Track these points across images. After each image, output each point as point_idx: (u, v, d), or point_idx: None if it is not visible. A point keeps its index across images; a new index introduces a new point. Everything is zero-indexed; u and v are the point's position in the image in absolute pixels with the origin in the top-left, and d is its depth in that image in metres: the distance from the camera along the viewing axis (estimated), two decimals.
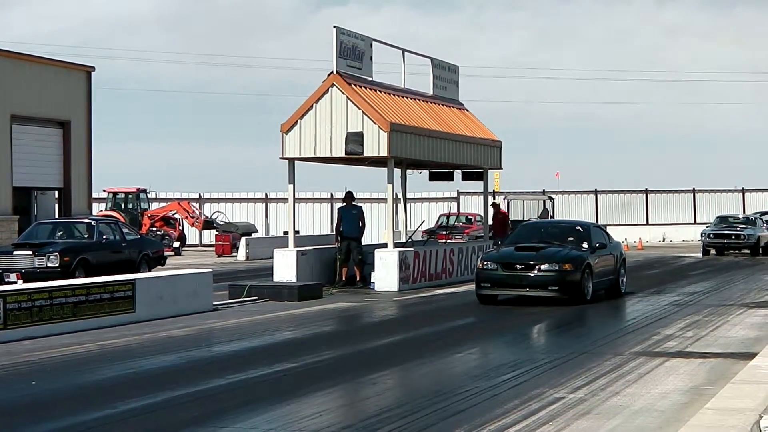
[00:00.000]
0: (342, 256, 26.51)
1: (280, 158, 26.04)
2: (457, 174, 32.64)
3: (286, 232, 36.43)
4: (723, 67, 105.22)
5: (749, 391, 10.33)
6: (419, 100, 29.28)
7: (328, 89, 25.54)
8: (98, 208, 47.31)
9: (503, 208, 51.53)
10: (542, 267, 21.54)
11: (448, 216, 49.01)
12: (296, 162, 26.34)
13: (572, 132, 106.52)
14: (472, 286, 22.99)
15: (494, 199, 39.63)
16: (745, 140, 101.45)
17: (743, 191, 60.86)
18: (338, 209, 27.75)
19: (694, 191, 60.93)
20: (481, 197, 35.20)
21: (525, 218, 47.07)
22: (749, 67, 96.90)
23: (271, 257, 26.82)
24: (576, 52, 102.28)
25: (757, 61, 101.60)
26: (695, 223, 58.07)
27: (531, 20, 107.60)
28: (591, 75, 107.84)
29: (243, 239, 43.14)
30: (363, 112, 25.32)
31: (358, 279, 26.36)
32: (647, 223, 59.50)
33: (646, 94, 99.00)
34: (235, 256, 42.68)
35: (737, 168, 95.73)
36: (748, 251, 41.27)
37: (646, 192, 60.99)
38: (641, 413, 10.79)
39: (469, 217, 50.25)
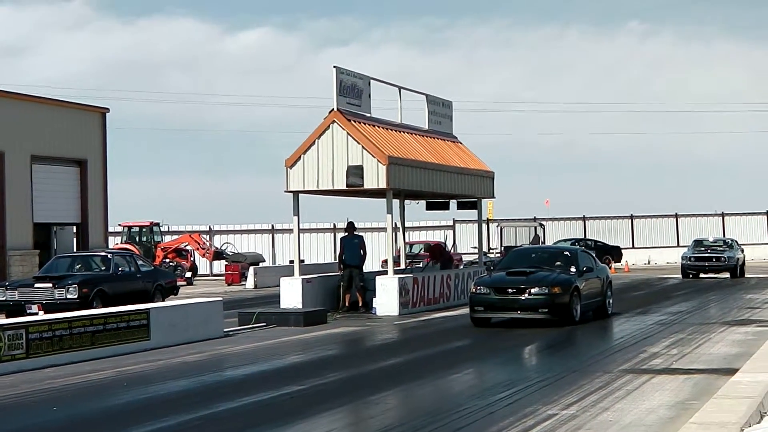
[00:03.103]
0: (345, 283, 26.53)
1: (285, 191, 26.08)
2: (453, 203, 32.69)
3: (291, 261, 36.40)
4: (702, 97, 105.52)
5: (731, 405, 10.32)
6: (416, 134, 29.34)
7: (329, 126, 25.62)
8: (114, 242, 47.39)
9: (497, 235, 51.75)
10: (532, 290, 21.53)
11: (411, 244, 48.27)
12: (300, 195, 26.37)
13: (560, 162, 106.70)
14: (467, 310, 22.97)
15: (488, 225, 39.50)
16: (725, 167, 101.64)
17: (723, 215, 60.87)
18: (340, 239, 27.77)
19: (676, 216, 60.96)
20: (476, 225, 35.16)
21: (517, 244, 47.12)
22: (728, 97, 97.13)
23: (278, 285, 26.82)
24: (563, 88, 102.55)
25: (735, 92, 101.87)
26: (678, 245, 58.09)
27: (521, 59, 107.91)
28: (577, 108, 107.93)
29: (251, 269, 43.14)
30: (363, 146, 25.38)
31: (360, 304, 26.36)
32: (633, 247, 59.49)
33: (630, 125, 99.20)
34: (244, 285, 42.66)
35: (717, 193, 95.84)
36: (728, 273, 41.08)
37: (632, 217, 61.02)
38: (630, 428, 10.80)
39: (432, 245, 49.52)
